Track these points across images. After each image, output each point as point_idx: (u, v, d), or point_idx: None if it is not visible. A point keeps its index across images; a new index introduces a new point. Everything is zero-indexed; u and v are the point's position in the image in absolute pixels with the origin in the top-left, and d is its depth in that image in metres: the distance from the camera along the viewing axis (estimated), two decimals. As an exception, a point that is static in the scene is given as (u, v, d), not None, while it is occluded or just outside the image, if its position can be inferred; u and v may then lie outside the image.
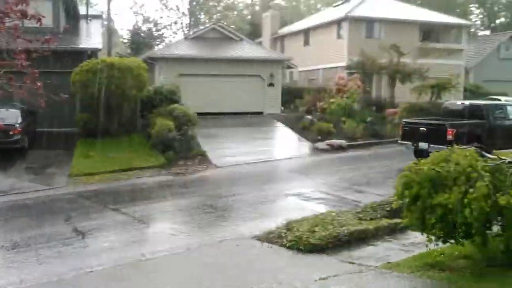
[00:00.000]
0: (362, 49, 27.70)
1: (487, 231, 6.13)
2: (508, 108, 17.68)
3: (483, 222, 5.79)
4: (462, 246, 6.51)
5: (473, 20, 56.64)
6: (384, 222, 8.84)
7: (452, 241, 6.33)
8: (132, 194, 12.73)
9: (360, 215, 9.32)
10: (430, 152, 15.14)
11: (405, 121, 17.56)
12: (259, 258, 7.83)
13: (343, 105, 24.26)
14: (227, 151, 18.14)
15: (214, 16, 50.95)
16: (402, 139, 17.06)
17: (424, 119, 17.76)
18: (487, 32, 56.15)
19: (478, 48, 39.51)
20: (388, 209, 9.25)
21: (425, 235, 6.44)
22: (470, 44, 38.48)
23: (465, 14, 52.17)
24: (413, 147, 16.34)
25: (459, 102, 18.84)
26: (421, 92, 24.76)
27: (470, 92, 32.48)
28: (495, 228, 6.34)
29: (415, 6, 38.57)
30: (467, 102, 18.14)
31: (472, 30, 54.83)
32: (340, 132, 21.16)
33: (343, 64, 29.26)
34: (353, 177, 14.24)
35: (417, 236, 7.78)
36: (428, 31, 32.54)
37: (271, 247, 8.19)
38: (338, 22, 31.03)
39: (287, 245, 8.07)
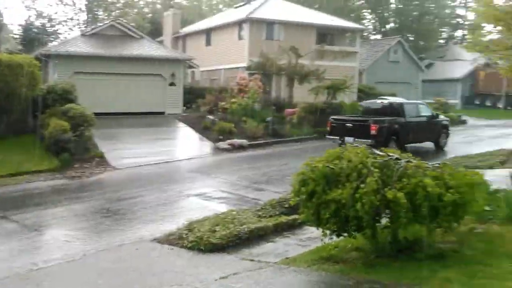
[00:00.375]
0: (262, 50, 28.27)
1: (377, 224, 6.50)
2: (419, 106, 20.30)
3: (373, 216, 6.12)
4: (354, 239, 6.85)
5: (366, 24, 59.95)
6: (283, 218, 9.06)
7: (345, 234, 6.63)
8: (23, 200, 11.96)
9: (260, 213, 9.49)
10: (355, 145, 17.12)
11: (333, 118, 19.06)
12: (160, 260, 7.69)
13: (244, 105, 24.59)
14: (127, 152, 17.65)
15: (113, 13, 49.32)
16: (330, 134, 18.59)
17: (350, 116, 19.84)
18: (379, 36, 59.76)
19: (371, 51, 41.92)
20: (286, 206, 9.47)
21: (320, 229, 6.68)
22: (363, 47, 40.76)
23: (359, 19, 55.04)
24: (339, 141, 17.33)
25: (378, 101, 20.75)
26: (318, 92, 25.72)
27: (363, 92, 34.28)
28: (384, 221, 6.75)
29: (313, 10, 40.01)
30: (385, 101, 20.20)
31: (365, 34, 58.08)
32: (241, 131, 21.40)
33: (244, 64, 29.65)
34: (253, 176, 14.46)
35: (313, 231, 8.05)
36: (325, 34, 33.91)
37: (172, 249, 8.08)
38: (239, 23, 31.39)
39: (188, 246, 8.01)
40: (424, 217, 6.13)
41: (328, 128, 18.68)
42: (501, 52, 16.96)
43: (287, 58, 27.18)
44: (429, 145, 20.11)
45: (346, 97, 28.22)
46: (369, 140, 16.46)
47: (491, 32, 17.64)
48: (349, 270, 6.37)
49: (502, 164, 14.82)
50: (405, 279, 5.83)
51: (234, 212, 9.45)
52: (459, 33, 66.87)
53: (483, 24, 17.76)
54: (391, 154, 6.62)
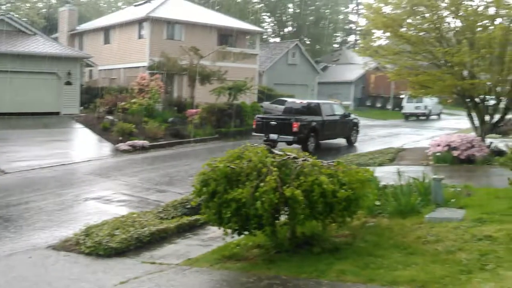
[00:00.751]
0: (164, 50, 27.91)
1: (276, 221, 6.69)
2: (333, 106, 22.58)
3: (272, 213, 6.30)
4: (255, 237, 7.00)
5: (266, 27, 61.30)
6: (185, 219, 9.02)
7: (247, 232, 6.75)
8: None
9: (162, 215, 9.38)
10: (279, 141, 18.50)
11: (258, 116, 20.63)
12: (55, 268, 7.32)
13: (145, 105, 24.14)
14: (18, 155, 16.58)
15: (3, 7, 46.04)
16: (255, 132, 20.11)
17: (274, 115, 21.97)
18: (278, 40, 61.38)
19: (270, 53, 42.97)
20: (188, 206, 9.43)
21: (222, 229, 6.76)
22: (263, 49, 41.68)
23: (258, 22, 56.15)
24: (265, 138, 19.20)
25: (298, 101, 22.63)
26: (220, 93, 25.91)
27: (263, 94, 35.06)
28: (283, 218, 6.98)
29: (214, 11, 40.19)
30: (305, 101, 22.12)
31: (265, 37, 59.38)
32: (142, 132, 20.99)
33: (145, 64, 29.10)
34: (155, 177, 14.24)
35: (215, 231, 8.11)
36: (226, 36, 34.21)
37: (68, 255, 7.73)
38: (139, 22, 30.73)
39: (86, 251, 7.71)
40: (320, 213, 6.42)
41: (254, 126, 20.13)
42: (389, 57, 18.11)
43: (188, 58, 27.06)
44: (341, 141, 22.31)
45: (247, 98, 28.70)
46: (291, 137, 18.77)
47: (380, 37, 18.78)
48: (251, 267, 6.49)
49: (391, 161, 15.91)
50: (304, 273, 6.05)
51: (134, 215, 9.24)
52: (352, 38, 70.62)
53: (373, 30, 18.85)
54: (289, 153, 6.86)
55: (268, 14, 64.45)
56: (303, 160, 6.59)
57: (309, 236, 7.20)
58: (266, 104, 34.39)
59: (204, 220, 7.32)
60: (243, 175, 6.37)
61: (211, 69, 27.14)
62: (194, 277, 6.38)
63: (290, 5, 63.89)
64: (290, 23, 65.30)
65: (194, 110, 25.30)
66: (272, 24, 65.52)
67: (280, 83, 40.60)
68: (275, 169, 6.31)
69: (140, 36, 30.77)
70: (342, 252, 6.80)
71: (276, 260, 6.66)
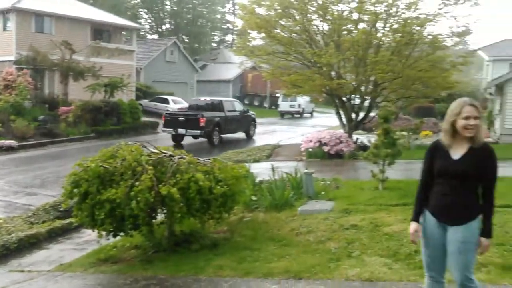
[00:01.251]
0: (32, 43, 26.09)
1: (153, 220, 6.62)
2: (234, 103, 25.00)
3: (149, 213, 6.22)
4: (132, 237, 6.86)
5: (143, 24, 59.94)
6: (57, 223, 8.57)
7: (122, 233, 6.59)
8: None
9: (32, 219, 8.83)
10: (187, 135, 20.42)
11: (167, 113, 22.74)
12: None
13: (12, 103, 22.42)
14: None
15: None
16: (165, 127, 21.65)
17: (182, 111, 23.87)
18: (156, 36, 60.32)
19: (148, 50, 42.13)
20: (62, 209, 8.95)
21: (96, 231, 6.53)
22: (140, 46, 40.71)
23: (135, 18, 54.74)
24: (173, 133, 21.07)
25: (202, 98, 25.00)
26: (95, 90, 24.89)
27: (141, 91, 34.31)
28: (161, 217, 6.93)
29: (87, 4, 38.41)
30: (208, 99, 24.39)
31: (142, 33, 58.04)
32: (9, 131, 19.52)
33: (12, 58, 26.98)
34: (24, 180, 13.31)
35: (90, 234, 7.78)
36: (101, 31, 32.89)
37: None
38: (3, 13, 28.36)
39: None
40: (197, 210, 6.46)
41: (163, 121, 21.73)
42: (264, 57, 18.76)
43: (60, 53, 25.58)
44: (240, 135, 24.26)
45: (125, 96, 27.89)
46: (198, 131, 20.57)
47: (255, 38, 19.36)
48: (127, 269, 6.35)
49: (267, 157, 16.47)
50: (182, 271, 6.05)
51: (0, 221, 8.60)
52: (229, 37, 71.69)
53: (248, 31, 19.36)
54: (164, 151, 6.81)
55: (145, 10, 63.07)
56: (179, 158, 6.59)
57: (187, 234, 7.22)
58: (145, 102, 33.69)
59: (77, 223, 7.00)
60: (117, 174, 6.20)
61: (85, 65, 25.89)
62: (67, 283, 6.10)
63: (168, 2, 63.11)
64: (168, 20, 64.52)
65: (67, 108, 23.96)
66: (150, 21, 64.24)
67: (159, 81, 40.00)
68: (151, 167, 6.22)
69: (5, 28, 28.41)
70: (220, 247, 6.92)
71: (154, 260, 6.59)
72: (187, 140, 21.70)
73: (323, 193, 9.49)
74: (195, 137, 21.11)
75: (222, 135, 22.22)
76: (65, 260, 7.19)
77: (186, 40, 61.42)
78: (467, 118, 3.57)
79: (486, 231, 3.63)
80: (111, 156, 6.45)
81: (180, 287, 5.63)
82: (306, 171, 9.55)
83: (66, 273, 6.45)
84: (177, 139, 21.23)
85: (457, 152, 3.66)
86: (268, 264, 6.03)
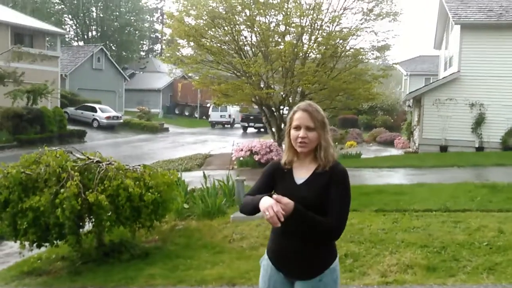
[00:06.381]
0: None
1: (80, 229, 6.35)
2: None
3: (76, 221, 5.95)
4: (58, 248, 6.55)
5: (68, 29, 57.90)
6: (-25, 236, 8.03)
7: (47, 244, 6.28)
8: None
9: None
10: (254, 127, 37.42)
11: (244, 114, 35.06)
12: None
13: None
14: None
15: None
16: (241, 122, 38.24)
17: (250, 114, 34.29)
18: (81, 43, 58.46)
19: (73, 57, 40.78)
20: (-21, 222, 8.46)
21: (19, 242, 6.18)
22: (65, 52, 39.32)
23: (60, 23, 52.81)
24: (246, 125, 37.82)
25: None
26: (16, 96, 23.70)
27: (67, 98, 33.09)
28: (88, 226, 6.66)
29: (8, 7, 36.59)
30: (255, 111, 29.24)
31: (68, 39, 56.07)
32: None
33: None
34: None
35: (13, 246, 7.37)
36: (23, 35, 31.41)
37: None
38: None
39: None
40: (127, 218, 6.27)
41: (240, 119, 38.14)
42: (193, 66, 18.68)
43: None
44: None
45: (49, 103, 26.76)
46: (261, 124, 31.87)
47: (184, 46, 19.23)
48: (53, 281, 6.05)
49: (199, 166, 16.40)
50: (112, 281, 5.86)
51: None
52: (158, 47, 70.81)
53: (177, 39, 19.21)
54: (91, 157, 6.57)
55: (70, 16, 60.98)
56: (107, 164, 6.38)
57: (117, 244, 7.00)
58: (71, 109, 32.51)
59: (-2, 234, 6.60)
60: (40, 181, 5.90)
61: (6, 70, 24.55)
62: (-15, 298, 5.72)
63: (94, 9, 61.38)
64: (94, 27, 62.71)
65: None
66: (75, 27, 62.13)
67: (85, 88, 38.72)
68: (77, 174, 5.97)
69: None
70: (152, 256, 6.78)
71: (83, 271, 6.33)
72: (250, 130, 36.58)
73: (254, 200, 9.53)
74: (258, 128, 35.35)
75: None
76: (-15, 274, 6.74)
77: (114, 48, 59.94)
78: (296, 127, 2.67)
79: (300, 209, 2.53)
80: (34, 162, 6.13)
81: (110, 298, 5.45)
82: (237, 178, 9.57)
83: (-15, 288, 6.05)
84: (246, 129, 37.46)
85: (301, 175, 2.71)
86: (201, 272, 5.98)
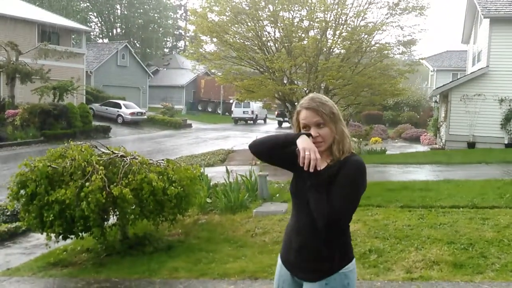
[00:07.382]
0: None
1: (105, 222, 6.42)
2: None
3: (100, 214, 6.03)
4: (83, 240, 6.65)
5: (93, 27, 58.66)
6: (4, 227, 8.21)
7: (73, 236, 6.36)
8: None
9: (-24, 225, 8.40)
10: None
11: (279, 110, 36.21)
12: None
13: (-47, 106, 21.39)
14: None
15: None
16: (276, 117, 40.32)
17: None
18: (106, 40, 59.16)
19: (98, 54, 41.22)
20: (9, 213, 8.68)
21: (45, 234, 6.28)
22: (90, 49, 39.79)
23: (85, 21, 53.52)
24: (281, 119, 38.98)
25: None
26: (43, 93, 24.11)
27: (92, 95, 33.52)
28: (113, 219, 6.73)
29: (35, 6, 37.24)
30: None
31: (93, 37, 56.80)
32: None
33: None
34: (-33, 185, 12.67)
35: (40, 237, 7.52)
36: (49, 33, 31.92)
37: None
38: None
39: None
40: (151, 212, 6.33)
41: (276, 114, 39.00)
42: (216, 62, 18.70)
43: (5, 54, 24.62)
44: None
45: (75, 99, 27.18)
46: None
47: (207, 42, 19.27)
48: (79, 273, 6.14)
49: (222, 162, 16.41)
50: (136, 273, 5.91)
51: None
52: (182, 43, 71.23)
53: (200, 35, 19.26)
54: (116, 151, 6.63)
55: (95, 14, 61.78)
56: (131, 159, 6.42)
57: (141, 237, 7.07)
58: (96, 106, 32.92)
59: (25, 226, 6.71)
60: (66, 175, 5.97)
61: (33, 67, 25.02)
62: (14, 287, 5.82)
63: (118, 7, 62.05)
64: (118, 24, 63.40)
65: (14, 111, 23.06)
66: (100, 24, 62.91)
67: (110, 85, 39.18)
68: (102, 167, 6.03)
69: None
70: (175, 250, 6.82)
71: (107, 263, 6.41)
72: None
73: (277, 195, 9.53)
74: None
75: None
76: (12, 264, 6.87)
77: (138, 45, 60.52)
78: (305, 127, 2.47)
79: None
80: (60, 156, 6.22)
81: (133, 290, 5.50)
82: (260, 173, 9.55)
83: (13, 278, 6.16)
84: (281, 124, 38.80)
85: None
86: (223, 265, 5.98)
